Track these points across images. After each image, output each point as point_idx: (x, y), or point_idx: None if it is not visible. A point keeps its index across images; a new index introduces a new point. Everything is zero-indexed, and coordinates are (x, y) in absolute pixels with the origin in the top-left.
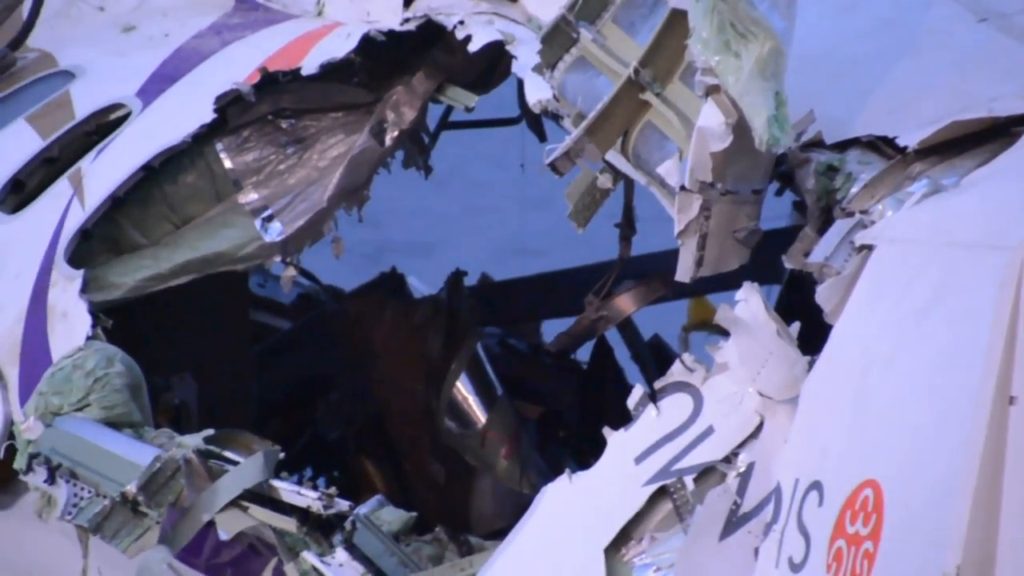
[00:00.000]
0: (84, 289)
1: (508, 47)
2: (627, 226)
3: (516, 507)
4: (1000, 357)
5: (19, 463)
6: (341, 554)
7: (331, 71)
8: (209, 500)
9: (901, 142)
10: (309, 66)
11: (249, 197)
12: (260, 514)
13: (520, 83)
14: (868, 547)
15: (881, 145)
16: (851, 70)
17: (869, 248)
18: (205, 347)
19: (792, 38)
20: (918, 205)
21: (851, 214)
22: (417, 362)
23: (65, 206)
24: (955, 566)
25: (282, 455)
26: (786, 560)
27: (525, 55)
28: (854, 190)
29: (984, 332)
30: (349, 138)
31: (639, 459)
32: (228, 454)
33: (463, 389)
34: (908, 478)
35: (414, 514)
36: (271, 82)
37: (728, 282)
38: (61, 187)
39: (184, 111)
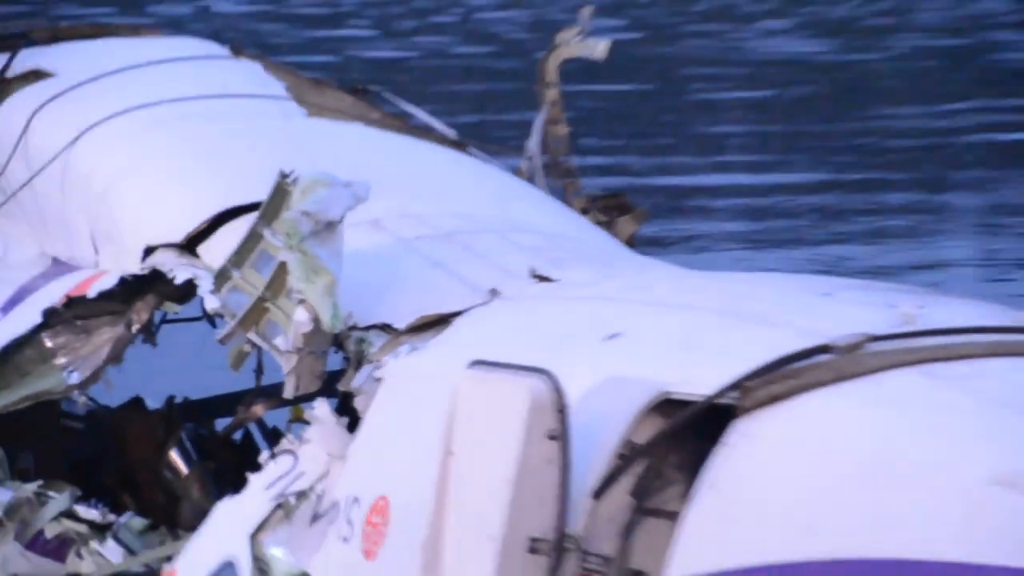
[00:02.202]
0: None
1: (196, 281)
2: (258, 370)
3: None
4: (445, 435)
5: None
6: (111, 542)
7: (103, 294)
8: (40, 517)
9: (397, 326)
10: (91, 292)
11: (60, 360)
12: (67, 523)
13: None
14: (382, 529)
15: (387, 327)
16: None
17: (380, 379)
18: (37, 436)
19: (341, 269)
20: (405, 357)
21: (371, 362)
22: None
23: None
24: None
25: (79, 493)
26: (342, 538)
27: (206, 285)
28: (373, 350)
29: (438, 425)
30: (113, 329)
31: (268, 487)
32: (51, 493)
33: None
34: (402, 497)
35: (149, 520)
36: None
37: (313, 397)
38: None
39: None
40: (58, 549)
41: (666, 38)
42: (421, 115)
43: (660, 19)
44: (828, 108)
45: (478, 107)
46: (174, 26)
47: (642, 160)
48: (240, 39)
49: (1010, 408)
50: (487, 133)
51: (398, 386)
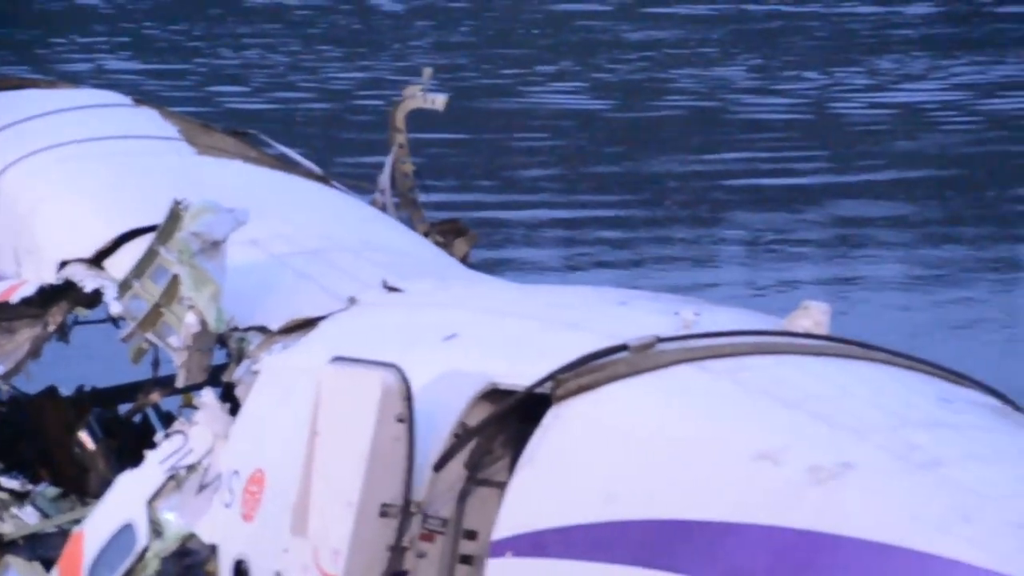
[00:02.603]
0: None
1: (103, 290)
2: (155, 364)
3: None
4: (311, 418)
5: None
6: (29, 508)
7: (24, 300)
8: None
9: (271, 328)
10: (14, 299)
11: None
12: None
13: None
14: (258, 496)
15: (263, 329)
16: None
17: (258, 372)
18: None
19: (225, 280)
20: (278, 353)
21: (250, 358)
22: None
23: None
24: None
25: (1, 466)
26: (224, 504)
27: (111, 293)
28: (252, 348)
29: (306, 409)
30: (32, 329)
31: (162, 462)
32: None
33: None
34: (275, 470)
35: (62, 489)
36: (3, 305)
37: (201, 386)
38: None
39: None
40: None
41: (477, 94)
42: (291, 154)
43: (472, 80)
44: (613, 154)
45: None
46: (75, 80)
47: (463, 196)
48: (129, 92)
49: (770, 395)
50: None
51: (272, 377)
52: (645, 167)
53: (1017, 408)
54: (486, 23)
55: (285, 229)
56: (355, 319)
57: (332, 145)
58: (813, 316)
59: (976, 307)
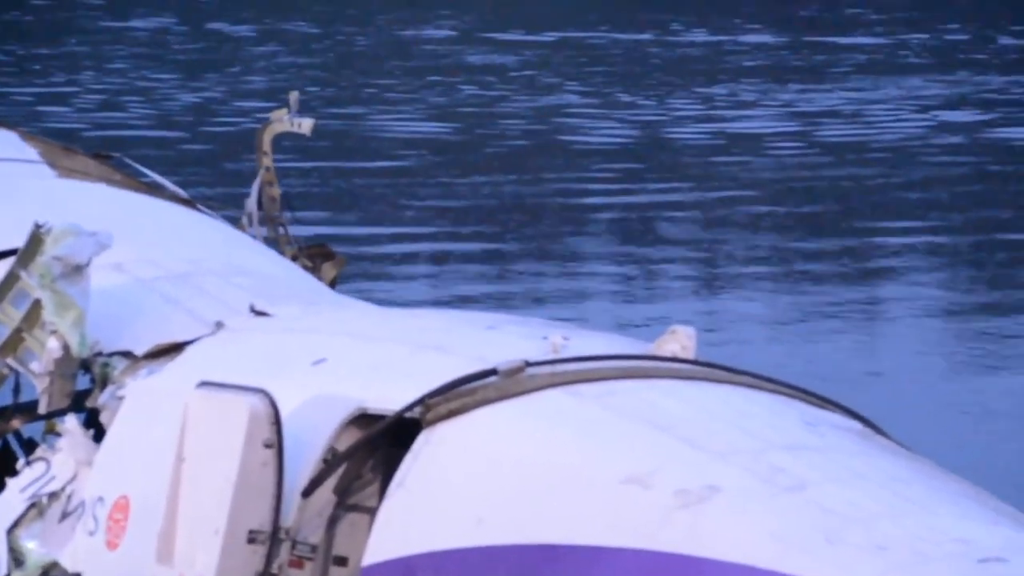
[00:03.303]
0: None
1: None
2: (16, 390)
3: None
4: (177, 444)
5: None
6: None
7: None
8: None
9: (137, 353)
10: None
11: None
12: None
13: None
14: (123, 524)
15: (128, 354)
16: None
17: (123, 398)
18: None
19: (88, 305)
20: (144, 379)
21: (115, 383)
22: None
23: None
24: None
25: None
26: (88, 531)
27: None
28: (116, 373)
29: (172, 435)
30: None
31: (23, 489)
32: None
33: None
34: (141, 496)
35: None
36: None
37: (64, 412)
38: None
39: None
40: None
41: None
42: (156, 177)
43: (316, 106)
44: (463, 182)
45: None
46: None
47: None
48: None
49: (638, 420)
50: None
51: (138, 403)
52: (488, 193)
53: (879, 431)
54: (330, 47)
55: (150, 253)
56: (222, 344)
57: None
58: (680, 340)
59: (830, 322)
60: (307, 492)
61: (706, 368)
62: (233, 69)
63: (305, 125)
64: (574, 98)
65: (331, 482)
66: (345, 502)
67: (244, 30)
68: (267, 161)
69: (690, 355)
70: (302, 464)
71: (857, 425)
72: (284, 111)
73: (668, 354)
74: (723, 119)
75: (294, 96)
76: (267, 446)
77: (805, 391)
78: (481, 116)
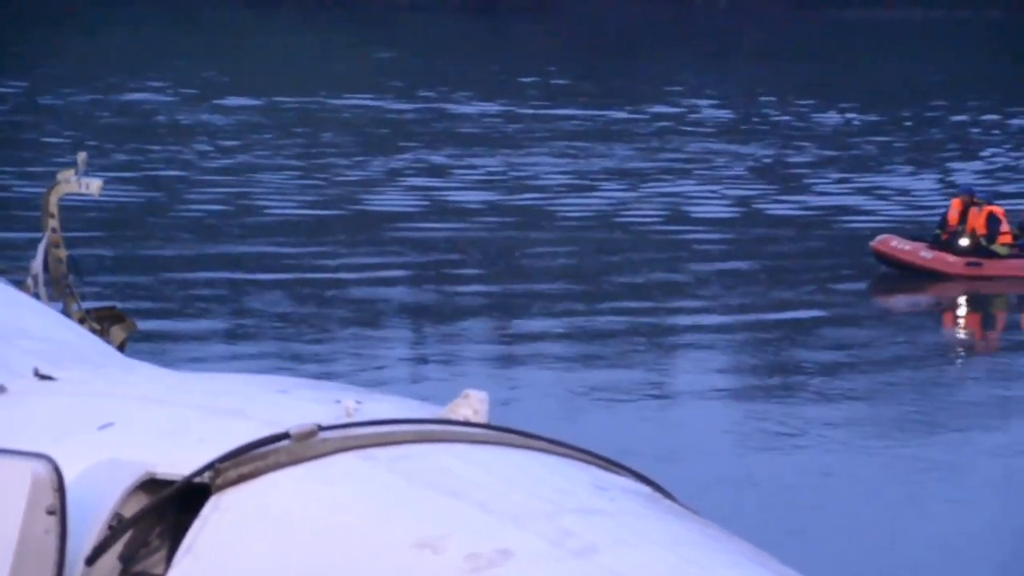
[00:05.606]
0: None
1: None
2: None
3: None
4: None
5: None
6: None
7: None
8: None
9: None
10: None
11: None
12: None
13: None
14: None
15: None
16: None
17: None
18: None
19: None
20: None
21: None
22: None
23: None
24: None
25: None
26: None
27: None
28: None
29: None
30: None
31: None
32: None
33: None
34: None
35: None
36: None
37: None
38: None
39: None
40: None
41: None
42: None
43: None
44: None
45: None
46: None
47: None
48: None
49: (430, 484)
50: None
51: None
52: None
53: (668, 495)
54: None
55: None
56: (3, 408)
57: None
58: (473, 404)
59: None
60: (91, 560)
61: (499, 432)
62: None
63: (93, 185)
64: (283, 161)
65: (116, 549)
66: (131, 570)
67: None
68: (53, 223)
69: (482, 419)
70: (86, 531)
71: (647, 489)
72: (71, 171)
73: (461, 418)
74: (411, 179)
75: (82, 156)
76: (50, 512)
77: (597, 455)
78: (182, 182)
